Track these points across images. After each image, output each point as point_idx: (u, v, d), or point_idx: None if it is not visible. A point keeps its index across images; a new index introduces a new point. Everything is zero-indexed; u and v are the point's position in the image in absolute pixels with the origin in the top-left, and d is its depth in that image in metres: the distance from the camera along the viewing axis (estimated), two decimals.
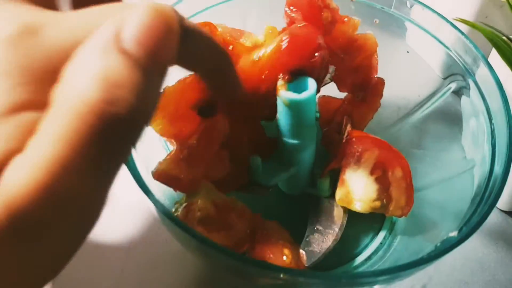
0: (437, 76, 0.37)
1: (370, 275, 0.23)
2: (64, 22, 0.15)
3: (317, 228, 0.31)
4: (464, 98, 0.32)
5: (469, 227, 0.24)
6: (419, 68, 0.37)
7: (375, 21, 0.34)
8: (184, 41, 0.16)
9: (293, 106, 0.26)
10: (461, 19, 0.36)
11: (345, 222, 0.31)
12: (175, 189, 0.27)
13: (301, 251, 0.29)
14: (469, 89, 0.32)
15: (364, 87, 0.34)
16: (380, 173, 0.30)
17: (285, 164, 0.31)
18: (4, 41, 0.14)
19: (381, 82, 0.34)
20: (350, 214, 0.31)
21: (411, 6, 0.34)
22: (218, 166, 0.28)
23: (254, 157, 0.29)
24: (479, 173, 0.28)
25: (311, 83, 0.26)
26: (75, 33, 0.14)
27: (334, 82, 0.33)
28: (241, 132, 0.29)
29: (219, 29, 0.30)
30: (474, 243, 0.36)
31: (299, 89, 0.26)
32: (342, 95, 0.35)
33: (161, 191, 0.26)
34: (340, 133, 0.33)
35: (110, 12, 0.15)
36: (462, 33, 0.32)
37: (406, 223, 0.33)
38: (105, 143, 0.13)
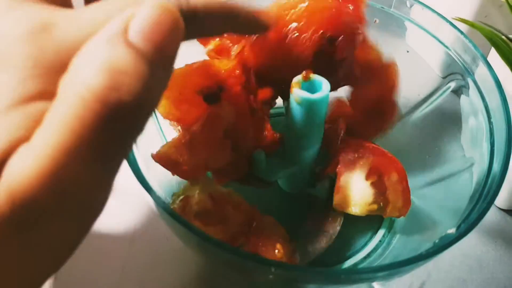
0: (436, 75, 0.37)
1: (369, 271, 0.23)
2: (76, 19, 0.15)
3: (313, 228, 0.32)
4: (463, 97, 0.33)
5: (468, 224, 0.24)
6: (419, 67, 0.37)
7: (375, 21, 0.35)
8: (192, 21, 0.16)
9: (304, 105, 0.27)
10: (460, 18, 0.36)
11: (340, 225, 0.32)
12: (173, 173, 0.27)
13: (294, 248, 0.30)
14: (468, 88, 0.32)
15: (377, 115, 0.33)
16: (375, 178, 0.30)
17: (287, 161, 0.31)
18: (19, 37, 0.14)
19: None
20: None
21: (411, 6, 0.34)
22: (219, 155, 0.28)
23: (259, 150, 0.30)
24: (477, 171, 0.28)
25: (325, 84, 0.27)
26: (85, 29, 0.15)
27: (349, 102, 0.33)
28: (248, 124, 0.29)
29: None
30: (472, 241, 0.36)
31: (313, 90, 0.27)
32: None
33: (160, 185, 0.26)
34: (335, 137, 0.33)
35: (118, 8, 0.15)
36: (462, 32, 0.32)
37: (405, 221, 0.33)
38: (109, 131, 0.13)
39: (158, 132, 0.32)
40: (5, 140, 0.13)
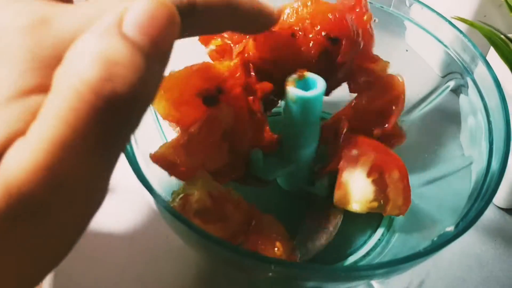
0: (435, 75, 0.37)
1: (368, 268, 0.24)
2: (73, 13, 0.15)
3: (312, 226, 0.32)
4: (462, 96, 0.33)
5: (466, 222, 0.24)
6: (418, 66, 0.37)
7: (374, 20, 0.35)
8: (192, 14, 0.16)
9: (299, 103, 0.27)
10: (459, 18, 0.36)
11: (340, 221, 0.32)
12: (170, 174, 0.27)
13: (294, 246, 0.30)
14: (467, 87, 0.32)
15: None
16: (377, 176, 0.30)
17: (285, 160, 0.31)
18: (17, 31, 0.14)
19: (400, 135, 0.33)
20: (348, 211, 0.32)
21: (410, 5, 0.34)
22: (216, 157, 0.28)
23: (256, 150, 0.30)
24: (476, 170, 0.29)
25: (320, 82, 0.27)
26: (82, 22, 0.15)
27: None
28: (246, 127, 0.29)
29: None
30: (472, 240, 0.36)
31: (308, 88, 0.27)
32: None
33: (160, 184, 0.26)
34: (336, 135, 0.33)
35: (116, 2, 0.15)
36: (461, 31, 0.32)
37: (405, 219, 0.33)
38: (105, 123, 0.13)
39: (158, 131, 0.32)
40: (3, 133, 0.13)
